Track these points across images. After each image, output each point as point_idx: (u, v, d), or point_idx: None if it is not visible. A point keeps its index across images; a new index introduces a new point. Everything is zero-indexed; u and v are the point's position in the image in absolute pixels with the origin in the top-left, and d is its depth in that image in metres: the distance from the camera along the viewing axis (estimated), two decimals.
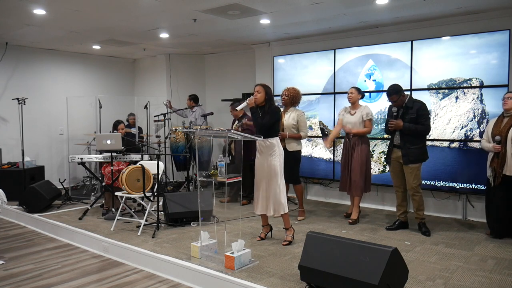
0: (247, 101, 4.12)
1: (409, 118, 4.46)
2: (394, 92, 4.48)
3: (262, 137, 3.97)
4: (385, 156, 4.78)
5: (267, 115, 4.07)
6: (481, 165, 4.96)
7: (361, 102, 5.19)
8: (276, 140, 4.10)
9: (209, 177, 3.87)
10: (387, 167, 5.60)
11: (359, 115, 4.97)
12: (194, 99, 7.10)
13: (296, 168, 5.21)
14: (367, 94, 5.76)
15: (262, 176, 4.13)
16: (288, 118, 5.11)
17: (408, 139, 4.48)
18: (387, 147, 5.61)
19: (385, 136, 5.62)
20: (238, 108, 4.30)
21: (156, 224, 4.68)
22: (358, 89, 5.10)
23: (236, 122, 6.17)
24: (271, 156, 4.06)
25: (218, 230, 4.36)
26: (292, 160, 5.08)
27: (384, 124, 4.98)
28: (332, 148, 6.16)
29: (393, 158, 4.64)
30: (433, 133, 5.24)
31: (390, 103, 4.67)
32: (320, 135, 6.26)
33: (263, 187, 4.13)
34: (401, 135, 4.51)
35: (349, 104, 5.16)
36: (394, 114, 4.52)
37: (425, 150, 4.58)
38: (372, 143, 5.72)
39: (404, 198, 4.70)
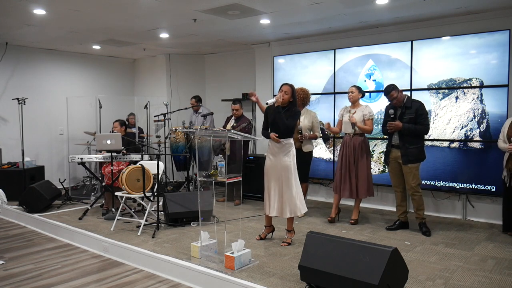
0: (277, 99, 4.02)
1: (408, 118, 4.45)
2: (392, 88, 4.48)
3: (262, 137, 3.96)
4: (384, 156, 4.77)
5: (290, 117, 4.04)
6: (481, 165, 4.97)
7: (361, 101, 5.15)
8: (291, 141, 4.11)
9: (209, 177, 3.86)
10: (387, 167, 5.62)
11: (360, 115, 4.90)
12: (199, 100, 7.04)
13: (307, 168, 5.37)
14: (367, 94, 5.76)
15: (275, 177, 4.09)
16: (304, 120, 5.21)
17: (407, 139, 4.48)
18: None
19: (385, 136, 5.63)
20: (269, 102, 4.15)
21: (156, 224, 4.68)
22: (358, 88, 5.01)
23: (233, 121, 6.15)
24: (285, 156, 4.05)
25: (218, 230, 4.36)
26: (306, 160, 5.26)
27: (382, 125, 4.96)
28: (332, 148, 6.16)
29: (392, 158, 4.63)
30: (433, 133, 5.25)
31: (389, 103, 4.66)
32: (320, 135, 6.27)
33: (277, 189, 4.09)
34: (400, 135, 4.51)
35: (349, 104, 5.08)
36: (391, 116, 4.52)
37: (423, 150, 4.59)
38: (372, 143, 5.72)
39: (404, 198, 4.70)
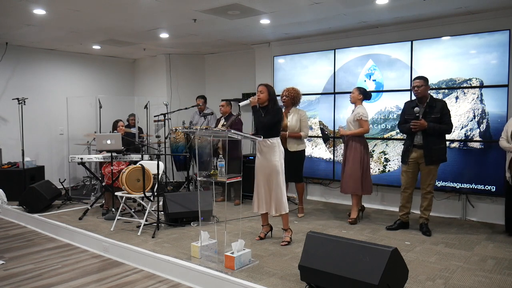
0: (250, 99, 4.14)
1: (432, 118, 4.36)
2: (424, 78, 4.42)
3: (262, 137, 3.97)
4: (401, 156, 4.69)
5: (268, 115, 4.08)
6: (481, 165, 4.97)
7: (364, 102, 5.05)
8: (277, 140, 4.11)
9: (209, 177, 3.86)
10: (387, 167, 5.62)
11: (353, 114, 4.94)
12: (205, 100, 7.01)
13: (299, 168, 5.32)
14: None
15: (262, 175, 4.13)
16: (292, 120, 5.20)
17: (431, 139, 4.39)
18: (386, 147, 5.63)
19: (385, 136, 5.62)
20: (241, 104, 4.28)
21: (156, 224, 4.68)
22: (358, 89, 5.00)
23: (223, 120, 6.16)
24: (272, 155, 4.07)
25: (218, 230, 4.36)
26: (295, 160, 5.20)
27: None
28: (332, 148, 6.16)
29: (412, 158, 4.50)
30: None
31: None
32: (320, 135, 6.28)
33: (264, 187, 4.13)
34: (424, 135, 4.40)
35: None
36: (416, 115, 4.39)
37: (446, 151, 4.51)
38: (372, 143, 5.71)
39: (410, 200, 4.65)
